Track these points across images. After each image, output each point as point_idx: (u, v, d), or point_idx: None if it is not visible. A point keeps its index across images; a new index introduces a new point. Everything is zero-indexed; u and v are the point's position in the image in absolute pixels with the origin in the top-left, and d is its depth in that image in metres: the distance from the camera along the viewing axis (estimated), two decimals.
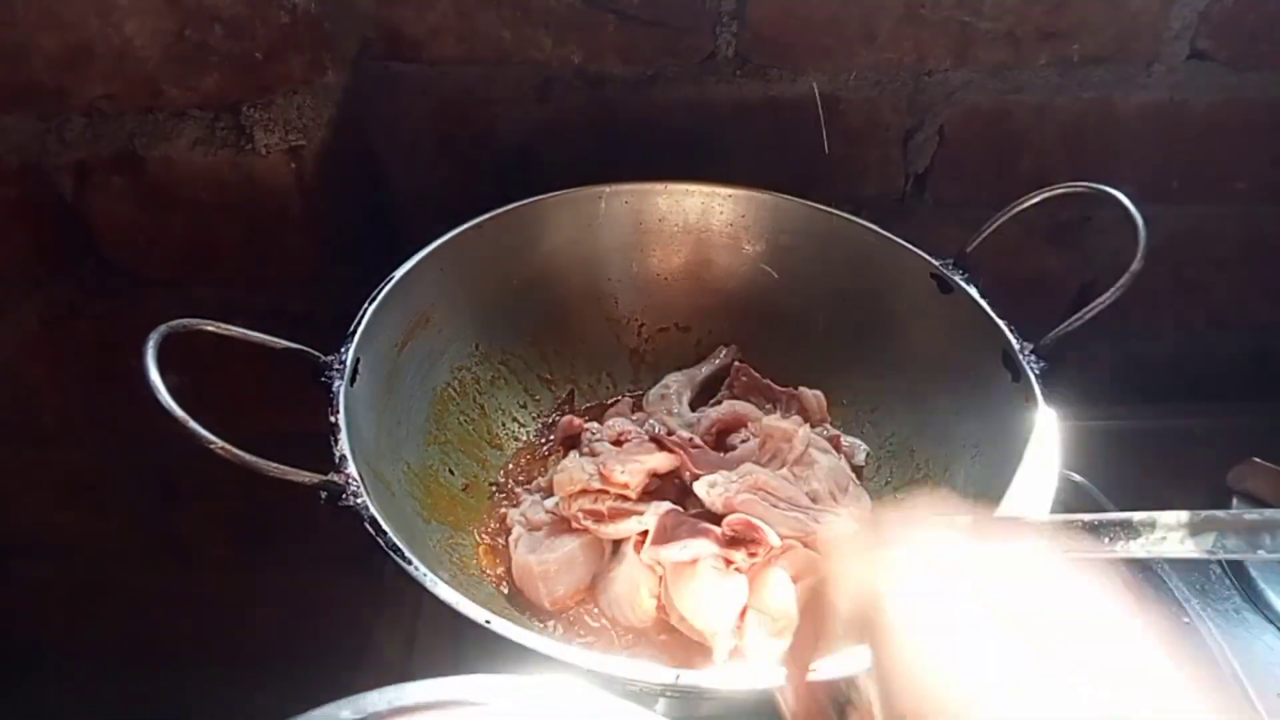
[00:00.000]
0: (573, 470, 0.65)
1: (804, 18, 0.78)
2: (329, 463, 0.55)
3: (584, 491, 0.64)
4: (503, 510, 0.70)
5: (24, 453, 0.93)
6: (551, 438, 0.76)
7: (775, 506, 0.61)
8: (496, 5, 0.76)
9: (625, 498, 0.64)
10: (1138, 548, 0.49)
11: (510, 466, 0.75)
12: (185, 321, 0.55)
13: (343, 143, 0.78)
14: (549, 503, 0.67)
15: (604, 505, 0.63)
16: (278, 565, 1.04)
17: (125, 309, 0.81)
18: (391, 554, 0.51)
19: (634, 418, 0.74)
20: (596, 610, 0.64)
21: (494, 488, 0.73)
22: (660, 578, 0.61)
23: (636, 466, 0.64)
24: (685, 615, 0.60)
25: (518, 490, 0.72)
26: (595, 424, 0.73)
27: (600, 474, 0.63)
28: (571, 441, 0.73)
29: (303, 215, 0.76)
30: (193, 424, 0.50)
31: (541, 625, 0.63)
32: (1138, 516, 0.50)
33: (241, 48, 0.69)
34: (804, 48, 0.79)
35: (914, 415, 0.73)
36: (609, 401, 0.80)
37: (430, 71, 0.80)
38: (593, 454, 0.68)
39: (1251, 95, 0.84)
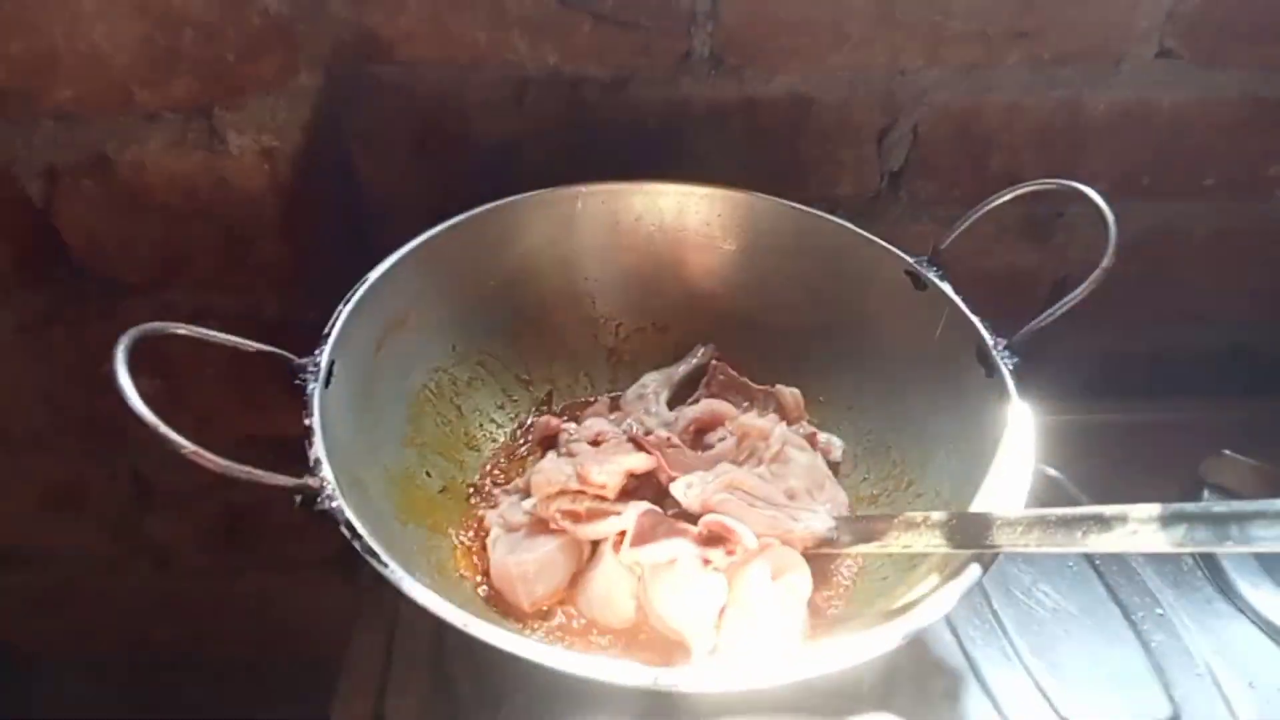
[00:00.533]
0: (550, 471, 0.64)
1: (777, 19, 0.78)
2: (305, 466, 0.55)
3: (562, 492, 0.64)
4: (481, 512, 0.70)
5: None
6: (529, 438, 0.76)
7: (752, 505, 0.62)
8: (470, 7, 0.76)
9: (603, 498, 0.64)
10: (1110, 541, 0.50)
11: (488, 468, 0.75)
12: (156, 325, 0.55)
13: (317, 145, 0.77)
14: (527, 504, 0.67)
15: (582, 506, 0.63)
16: (256, 569, 1.04)
17: (98, 315, 0.81)
18: (368, 557, 0.51)
19: (611, 418, 0.74)
20: (576, 611, 0.64)
21: (472, 489, 0.73)
22: (639, 578, 0.62)
23: (614, 467, 0.64)
24: (664, 615, 0.60)
25: (496, 492, 0.72)
26: (573, 424, 0.73)
27: (578, 475, 0.63)
28: (549, 442, 0.73)
29: (277, 217, 0.76)
30: (164, 429, 0.50)
31: (520, 627, 0.63)
32: (1109, 511, 0.51)
33: (212, 50, 0.69)
34: (778, 48, 0.80)
35: (890, 411, 0.74)
36: (587, 401, 0.80)
37: (405, 73, 0.80)
38: (570, 455, 0.68)
39: (1219, 93, 0.85)
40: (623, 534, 0.61)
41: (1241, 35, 0.82)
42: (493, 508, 0.69)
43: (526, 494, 0.68)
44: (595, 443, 0.69)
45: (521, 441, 0.77)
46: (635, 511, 0.62)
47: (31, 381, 0.85)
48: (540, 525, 0.65)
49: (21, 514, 0.97)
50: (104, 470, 0.94)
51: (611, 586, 0.62)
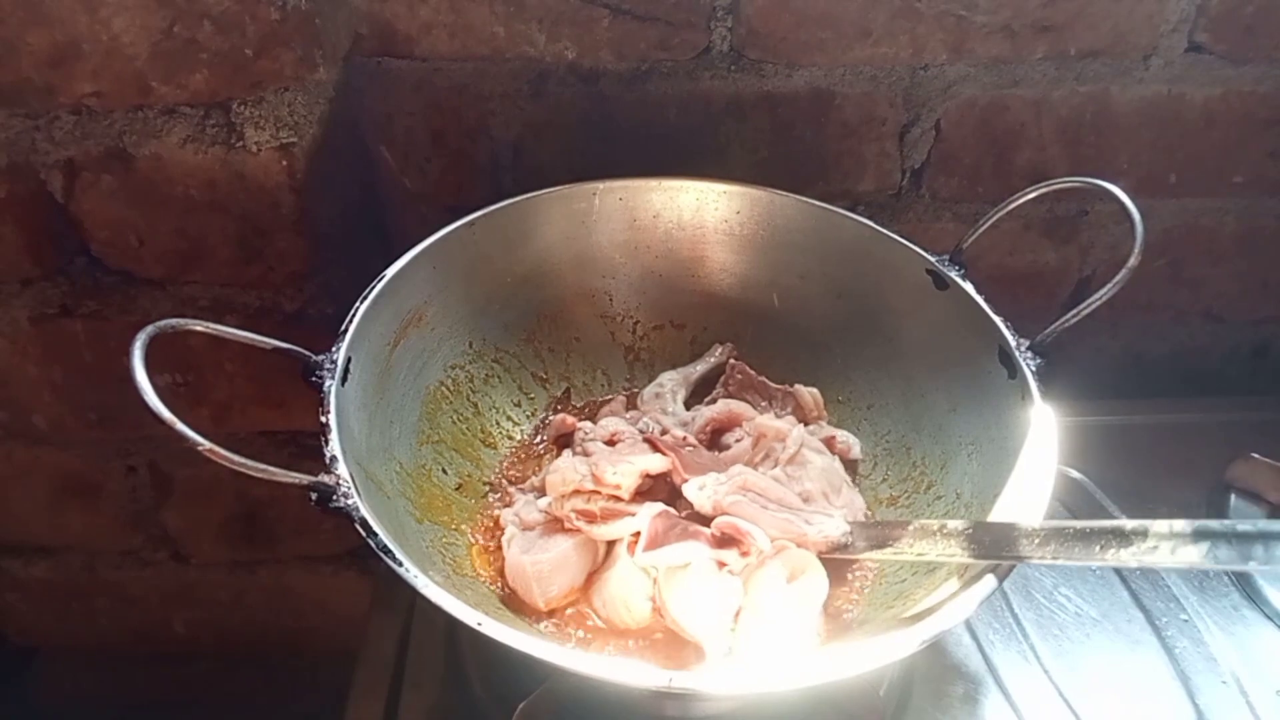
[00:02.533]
0: (565, 470, 0.64)
1: (799, 12, 0.77)
2: (321, 462, 0.55)
3: (577, 492, 0.63)
4: (496, 510, 0.70)
5: (16, 452, 0.93)
6: (546, 436, 0.76)
7: (765, 508, 0.61)
8: (489, 0, 0.76)
9: (618, 498, 0.63)
10: (1129, 556, 0.49)
11: (505, 466, 0.74)
12: (173, 322, 0.55)
13: (335, 140, 0.77)
14: (543, 502, 0.66)
15: (596, 506, 0.62)
16: (273, 562, 1.04)
17: (116, 307, 0.81)
18: (382, 555, 0.51)
19: (628, 416, 0.73)
20: (590, 611, 0.63)
21: (488, 487, 0.72)
22: (654, 579, 0.61)
23: (629, 468, 0.63)
24: (679, 617, 0.59)
25: (511, 490, 0.71)
26: (588, 423, 0.73)
27: (592, 475, 0.63)
28: (565, 441, 0.73)
29: (294, 213, 0.75)
30: (180, 425, 0.50)
31: (535, 626, 0.63)
32: (1130, 524, 0.49)
33: (231, 44, 0.68)
34: (799, 42, 0.79)
35: (910, 412, 0.73)
36: (604, 399, 0.79)
37: (423, 68, 0.80)
38: (585, 454, 0.67)
39: (1249, 88, 0.84)
40: (638, 535, 0.61)
41: (1274, 29, 0.80)
42: (508, 506, 0.69)
43: (542, 493, 0.68)
44: (611, 442, 0.68)
45: (538, 439, 0.76)
46: (649, 513, 0.61)
47: (50, 373, 0.85)
48: (555, 524, 0.64)
49: (39, 506, 0.98)
50: (122, 462, 0.94)
51: (627, 587, 0.61)
